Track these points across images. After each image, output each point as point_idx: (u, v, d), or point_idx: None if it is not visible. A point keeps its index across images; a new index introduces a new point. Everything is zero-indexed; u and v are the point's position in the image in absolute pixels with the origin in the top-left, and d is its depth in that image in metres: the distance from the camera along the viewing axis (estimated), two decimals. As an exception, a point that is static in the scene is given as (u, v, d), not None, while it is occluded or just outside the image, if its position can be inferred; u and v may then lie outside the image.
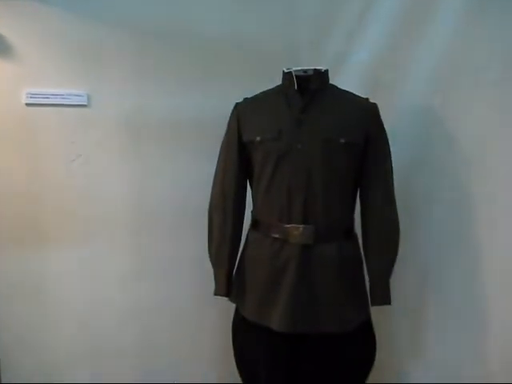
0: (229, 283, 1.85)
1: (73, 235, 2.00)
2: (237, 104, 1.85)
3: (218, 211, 1.84)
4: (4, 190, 1.89)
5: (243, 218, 1.87)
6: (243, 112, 1.82)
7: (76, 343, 2.06)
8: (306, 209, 1.69)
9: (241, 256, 1.87)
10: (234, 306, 1.91)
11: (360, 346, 1.82)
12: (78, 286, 2.03)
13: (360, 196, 1.81)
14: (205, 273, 1.91)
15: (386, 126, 1.78)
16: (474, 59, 1.81)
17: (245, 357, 1.91)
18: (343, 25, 2.18)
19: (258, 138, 1.74)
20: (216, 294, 1.86)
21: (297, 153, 1.69)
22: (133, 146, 2.05)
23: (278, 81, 1.82)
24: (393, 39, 2.03)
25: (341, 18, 2.18)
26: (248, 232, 1.86)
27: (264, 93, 1.85)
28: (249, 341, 1.87)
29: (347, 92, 1.81)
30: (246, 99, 1.85)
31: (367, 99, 1.79)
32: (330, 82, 1.81)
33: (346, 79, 1.98)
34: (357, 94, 1.81)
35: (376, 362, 1.89)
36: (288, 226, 1.69)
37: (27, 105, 1.88)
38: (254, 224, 1.82)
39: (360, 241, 1.83)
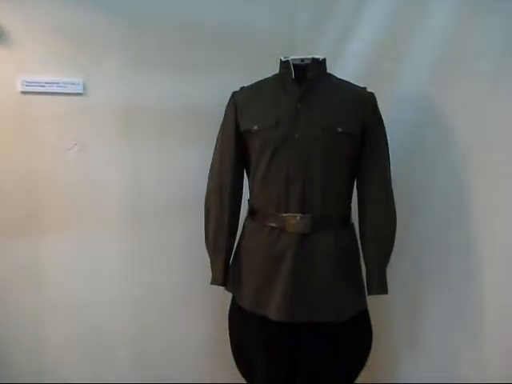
0: (225, 272, 1.85)
1: (68, 224, 1.98)
2: (234, 93, 1.84)
3: (215, 200, 1.83)
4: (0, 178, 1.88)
5: (240, 207, 1.87)
6: (240, 101, 1.81)
7: (70, 331, 2.05)
8: (303, 198, 1.69)
9: (237, 245, 1.87)
10: (229, 295, 1.91)
11: (356, 335, 1.83)
12: (72, 274, 2.02)
13: (357, 185, 1.82)
14: (200, 262, 1.91)
15: (382, 115, 1.78)
16: (471, 49, 1.80)
17: (241, 346, 1.91)
18: (341, 14, 2.18)
19: (256, 127, 1.73)
20: (213, 283, 1.87)
21: (294, 142, 1.68)
22: (129, 134, 2.03)
23: (276, 70, 1.81)
24: (390, 29, 2.02)
25: (338, 7, 2.18)
26: (245, 221, 1.86)
27: (261, 82, 1.84)
28: (245, 330, 1.87)
29: (345, 81, 1.81)
30: (243, 88, 1.85)
31: (365, 88, 1.79)
32: (328, 71, 1.81)
33: (343, 68, 1.98)
34: (354, 83, 1.81)
35: (372, 351, 1.90)
36: (285, 215, 1.69)
37: (23, 93, 1.85)
38: (251, 213, 1.82)
39: (357, 230, 1.83)
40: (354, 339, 1.81)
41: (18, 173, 1.89)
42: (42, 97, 1.88)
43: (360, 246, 1.82)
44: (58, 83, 1.90)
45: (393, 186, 1.81)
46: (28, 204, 1.91)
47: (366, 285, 1.80)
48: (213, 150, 1.88)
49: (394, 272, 1.86)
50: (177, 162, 2.14)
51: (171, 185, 2.14)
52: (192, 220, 1.95)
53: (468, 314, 1.85)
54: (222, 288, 1.87)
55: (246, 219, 1.86)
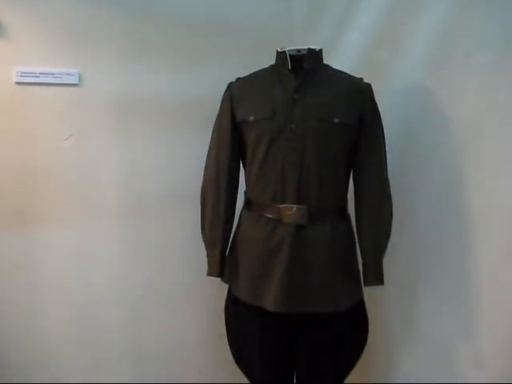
0: (222, 264, 1.84)
1: (63, 216, 1.98)
2: (230, 84, 1.84)
3: (211, 191, 1.83)
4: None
5: (236, 198, 1.87)
6: (236, 92, 1.81)
7: (65, 325, 2.05)
8: (299, 189, 1.69)
9: (234, 237, 1.86)
10: (224, 288, 1.91)
11: (353, 326, 1.83)
12: (66, 267, 2.01)
13: (353, 176, 1.81)
14: (196, 254, 1.91)
15: (379, 106, 1.78)
16: (470, 39, 1.79)
17: (238, 338, 1.91)
18: (338, 5, 2.17)
19: (252, 118, 1.73)
20: (209, 274, 1.86)
21: (290, 133, 1.68)
22: (125, 125, 2.03)
23: (272, 61, 1.80)
24: (387, 19, 2.01)
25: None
26: (241, 212, 1.86)
27: (257, 72, 1.84)
28: (242, 321, 1.87)
29: (341, 72, 1.81)
30: (239, 79, 1.84)
31: (361, 79, 1.79)
32: (324, 62, 1.80)
33: (339, 59, 1.97)
34: (351, 74, 1.80)
35: (368, 343, 1.90)
36: (281, 206, 1.69)
37: (17, 83, 1.85)
38: (247, 204, 1.81)
39: (353, 221, 1.83)
40: (350, 329, 1.81)
41: (13, 164, 1.88)
42: (37, 87, 1.88)
43: (356, 237, 1.82)
44: (53, 74, 1.89)
45: (389, 177, 1.81)
46: (23, 196, 1.91)
47: (362, 276, 1.80)
48: (208, 142, 1.87)
49: (391, 263, 1.85)
50: (173, 154, 2.13)
51: (168, 176, 2.13)
52: (189, 212, 1.94)
53: (465, 305, 1.85)
54: (219, 280, 1.87)
55: (242, 210, 1.85)
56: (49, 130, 1.91)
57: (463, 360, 1.88)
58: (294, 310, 1.69)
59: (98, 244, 2.06)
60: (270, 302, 1.70)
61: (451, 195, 1.87)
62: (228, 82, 1.84)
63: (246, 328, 1.86)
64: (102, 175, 2.02)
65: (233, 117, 1.79)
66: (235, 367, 1.94)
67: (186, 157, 2.11)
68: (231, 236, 1.87)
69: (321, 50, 1.78)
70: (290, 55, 1.72)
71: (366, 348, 1.88)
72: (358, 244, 1.82)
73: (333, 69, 1.81)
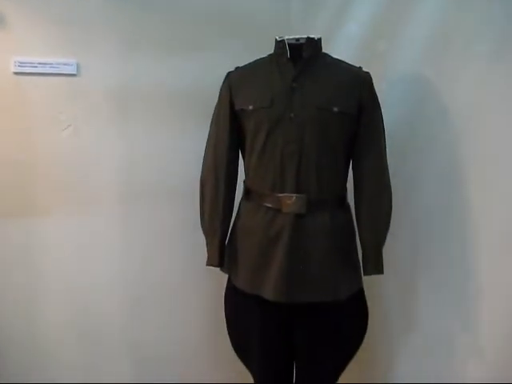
0: (221, 253, 1.84)
1: (61, 205, 1.98)
2: (229, 73, 1.83)
3: (210, 181, 1.82)
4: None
5: (235, 187, 1.86)
6: (235, 81, 1.80)
7: (64, 314, 2.05)
8: (298, 178, 1.68)
9: (233, 226, 1.86)
10: (224, 277, 1.91)
11: (352, 316, 1.82)
12: (65, 256, 2.01)
13: (353, 165, 1.81)
14: (195, 243, 1.91)
15: (378, 96, 1.77)
16: (469, 29, 1.80)
17: (238, 327, 1.91)
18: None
19: (251, 107, 1.72)
20: (208, 264, 1.85)
21: (289, 121, 1.68)
22: (123, 115, 2.02)
23: (271, 50, 1.80)
24: (387, 9, 2.01)
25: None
26: (240, 202, 1.85)
27: (256, 62, 1.83)
28: (241, 311, 1.87)
29: (340, 61, 1.80)
30: (237, 68, 1.83)
31: (360, 68, 1.78)
32: (323, 51, 1.79)
33: (338, 48, 1.97)
34: (350, 63, 1.79)
35: (367, 336, 1.90)
36: (281, 195, 1.69)
37: (15, 73, 1.84)
38: (247, 194, 1.81)
39: (353, 210, 1.82)
40: (350, 318, 1.81)
41: (11, 154, 1.88)
42: (35, 77, 1.88)
43: (356, 226, 1.82)
44: (51, 64, 1.89)
45: (389, 166, 1.80)
46: (21, 186, 1.90)
47: (361, 265, 1.80)
48: (207, 132, 1.87)
49: (391, 252, 1.86)
50: (173, 143, 2.12)
51: (167, 166, 2.13)
52: (189, 201, 1.93)
53: (465, 295, 1.85)
54: (218, 269, 1.87)
55: (241, 200, 1.85)
56: (47, 120, 1.91)
57: (463, 351, 1.89)
58: (294, 300, 1.69)
59: (98, 233, 2.05)
60: (269, 291, 1.69)
61: (450, 185, 1.87)
62: (226, 71, 1.83)
63: (245, 317, 1.85)
64: (101, 165, 2.02)
65: (231, 106, 1.78)
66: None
67: (186, 146, 2.10)
68: (230, 226, 1.86)
69: (320, 39, 1.77)
70: (288, 44, 1.71)
71: (365, 338, 1.89)
72: (357, 233, 1.82)
73: (332, 58, 1.80)
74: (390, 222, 1.80)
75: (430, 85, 1.90)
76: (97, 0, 1.92)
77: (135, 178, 2.08)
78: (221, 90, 1.83)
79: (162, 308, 2.21)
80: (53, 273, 2.01)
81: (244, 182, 1.84)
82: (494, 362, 1.79)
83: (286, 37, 1.73)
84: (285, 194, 1.68)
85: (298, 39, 1.72)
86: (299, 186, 1.68)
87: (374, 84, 1.76)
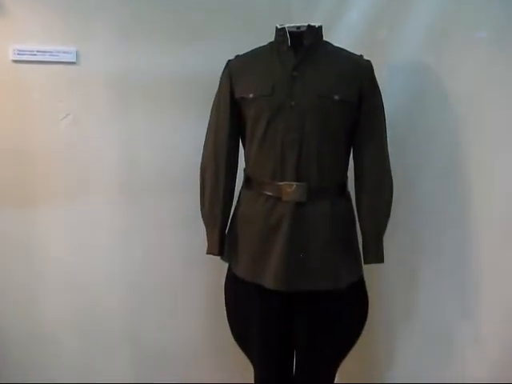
0: (221, 242, 1.84)
1: (61, 194, 1.97)
2: (229, 61, 1.82)
3: (211, 169, 1.82)
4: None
5: (236, 176, 1.86)
6: (235, 69, 1.79)
7: (64, 302, 2.05)
8: (299, 166, 1.68)
9: (233, 214, 1.86)
10: (224, 265, 1.91)
11: (352, 304, 1.83)
12: (64, 244, 2.01)
13: (353, 154, 1.81)
14: (195, 232, 1.91)
15: (379, 84, 1.77)
16: (470, 16, 1.78)
17: (238, 316, 1.92)
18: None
19: (251, 95, 1.72)
20: (208, 252, 1.86)
21: (290, 110, 1.67)
22: (122, 104, 2.01)
23: (271, 38, 1.79)
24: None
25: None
26: (241, 190, 1.85)
27: (256, 50, 1.82)
28: (241, 300, 1.87)
29: (341, 49, 1.80)
30: (238, 56, 1.82)
31: (361, 56, 1.77)
32: (324, 39, 1.78)
33: (339, 36, 1.96)
34: (351, 51, 1.79)
35: (368, 323, 1.90)
36: (281, 183, 1.68)
37: (14, 61, 1.83)
38: (247, 182, 1.81)
39: (353, 199, 1.82)
40: (350, 306, 1.81)
41: (9, 143, 1.86)
42: (34, 66, 1.86)
43: (356, 215, 1.82)
44: (50, 52, 1.87)
45: (390, 155, 1.80)
46: (20, 174, 1.89)
47: (362, 253, 1.80)
48: (207, 120, 1.86)
49: (391, 241, 1.85)
50: (171, 133, 2.11)
51: (165, 155, 2.12)
52: (189, 189, 1.93)
53: (465, 283, 1.85)
54: (218, 258, 1.87)
55: (241, 188, 1.85)
56: (46, 108, 1.90)
57: (462, 339, 1.89)
58: (294, 288, 1.69)
59: (99, 223, 2.05)
60: (269, 279, 1.69)
61: (451, 173, 1.86)
62: (226, 60, 1.82)
63: (245, 306, 1.86)
64: (101, 154, 2.01)
65: (232, 94, 1.78)
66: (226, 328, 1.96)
67: (186, 134, 2.10)
68: (231, 214, 1.86)
69: (320, 27, 1.76)
70: (289, 32, 1.70)
71: (365, 326, 1.89)
72: (358, 222, 1.82)
73: (333, 46, 1.79)
74: (390, 211, 1.80)
75: (430, 73, 1.89)
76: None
77: (136, 167, 2.08)
78: (221, 78, 1.82)
79: (162, 296, 2.22)
80: (52, 264, 2.00)
81: (244, 170, 1.83)
82: (493, 350, 1.79)
83: (287, 25, 1.72)
84: (285, 183, 1.68)
85: (298, 27, 1.71)
86: (300, 175, 1.68)
87: (376, 72, 1.75)
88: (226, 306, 1.94)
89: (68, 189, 1.98)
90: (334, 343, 1.83)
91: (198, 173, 1.86)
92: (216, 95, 1.83)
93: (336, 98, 1.67)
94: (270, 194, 1.71)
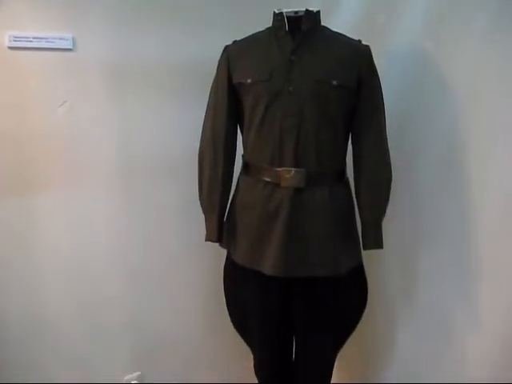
0: (220, 229, 1.84)
1: (59, 181, 1.95)
2: (226, 46, 1.81)
3: (209, 155, 1.81)
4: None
5: (234, 162, 1.85)
6: (233, 54, 1.78)
7: (63, 289, 2.03)
8: (297, 152, 1.67)
9: (232, 201, 1.85)
10: (223, 252, 1.91)
11: (352, 291, 1.83)
12: (64, 232, 1.99)
13: (352, 140, 1.80)
14: (194, 218, 1.90)
15: (378, 69, 1.76)
16: (465, 3, 1.77)
17: (237, 302, 1.92)
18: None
19: (249, 80, 1.71)
20: (207, 239, 1.86)
21: (288, 95, 1.66)
22: (119, 91, 1.99)
23: (269, 23, 1.78)
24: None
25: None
26: (239, 176, 1.84)
27: (254, 35, 1.81)
28: (241, 286, 1.87)
29: (339, 34, 1.78)
30: (235, 41, 1.82)
31: (360, 41, 1.76)
32: (322, 24, 1.77)
33: (337, 21, 1.95)
34: (349, 36, 1.78)
35: (368, 307, 1.90)
36: (279, 169, 1.68)
37: (10, 48, 1.81)
38: (245, 168, 1.80)
39: (352, 185, 1.82)
40: (349, 292, 1.81)
41: (6, 131, 1.85)
42: (30, 52, 1.83)
43: (355, 201, 1.81)
44: (46, 38, 1.85)
45: (388, 139, 1.79)
46: (17, 162, 1.87)
47: (361, 239, 1.80)
48: (205, 107, 1.85)
49: (390, 227, 1.85)
50: (168, 119, 2.10)
51: (162, 142, 2.11)
52: (188, 175, 1.92)
53: (465, 268, 1.84)
54: (217, 245, 1.87)
55: (240, 174, 1.84)
56: (42, 95, 1.88)
57: (462, 324, 1.88)
58: (293, 274, 1.69)
59: (97, 209, 2.03)
60: (268, 266, 1.69)
61: (450, 159, 1.85)
62: (225, 44, 1.81)
63: (244, 292, 1.86)
64: (100, 141, 1.99)
65: (229, 79, 1.77)
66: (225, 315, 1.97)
67: (184, 120, 2.08)
68: (229, 200, 1.85)
69: (319, 12, 1.75)
70: (287, 17, 1.69)
71: (365, 312, 1.89)
72: (356, 208, 1.81)
73: (331, 31, 1.78)
74: (389, 197, 1.80)
75: (429, 59, 1.88)
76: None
77: (134, 153, 2.06)
78: (219, 63, 1.81)
79: (160, 282, 2.21)
80: (52, 251, 1.99)
81: (242, 156, 1.83)
82: (493, 337, 1.78)
83: (285, 10, 1.71)
84: (283, 168, 1.67)
85: (296, 12, 1.71)
86: (298, 160, 1.67)
87: (374, 57, 1.74)
88: (225, 292, 1.94)
89: (66, 176, 1.96)
90: (333, 329, 1.83)
91: (197, 158, 1.86)
92: (214, 80, 1.83)
93: (334, 83, 1.66)
94: (268, 180, 1.70)
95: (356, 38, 1.77)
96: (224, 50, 1.80)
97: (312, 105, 1.66)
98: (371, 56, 1.74)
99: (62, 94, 1.90)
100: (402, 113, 1.96)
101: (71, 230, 2.00)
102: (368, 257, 1.87)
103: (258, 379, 2.00)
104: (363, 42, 1.76)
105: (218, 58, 1.82)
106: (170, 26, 2.03)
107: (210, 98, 1.84)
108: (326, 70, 1.67)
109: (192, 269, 2.26)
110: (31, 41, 1.84)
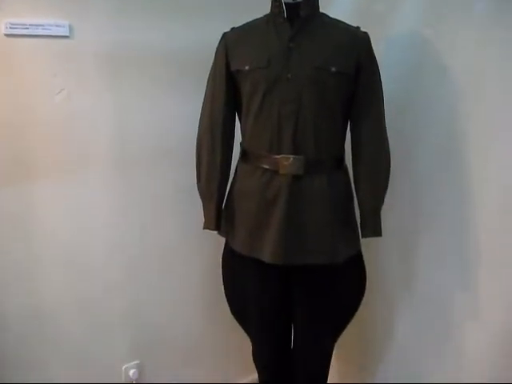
0: (218, 217, 1.83)
1: (57, 168, 1.94)
2: (224, 33, 1.80)
3: (207, 143, 1.80)
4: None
5: (232, 149, 1.84)
6: (231, 41, 1.77)
7: (62, 279, 2.03)
8: (295, 139, 1.66)
9: (230, 189, 1.85)
10: (221, 240, 1.90)
11: (350, 278, 1.84)
12: (62, 221, 1.98)
13: (350, 127, 1.79)
14: (193, 206, 1.90)
15: (377, 57, 1.75)
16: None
17: (235, 290, 1.92)
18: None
19: (247, 67, 1.70)
20: (205, 227, 1.85)
21: (286, 81, 1.65)
22: (117, 78, 1.97)
23: (267, 10, 1.77)
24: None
25: None
26: (237, 164, 1.84)
27: (252, 22, 1.80)
28: (239, 274, 1.87)
29: (338, 21, 1.77)
30: (233, 29, 1.81)
31: (358, 28, 1.75)
32: (321, 11, 1.76)
33: (336, 8, 1.94)
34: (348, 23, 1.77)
35: (366, 296, 1.90)
36: (278, 156, 1.67)
37: (6, 35, 1.79)
38: (243, 156, 1.79)
39: (351, 172, 1.81)
40: (348, 280, 1.81)
41: (3, 118, 1.83)
42: (27, 40, 1.81)
43: (354, 188, 1.80)
44: (42, 25, 1.83)
45: (387, 127, 1.79)
46: (14, 150, 1.86)
47: (359, 227, 1.79)
48: (202, 96, 1.84)
49: (390, 215, 1.85)
50: (167, 108, 2.09)
51: (162, 130, 2.09)
52: (186, 163, 1.91)
53: (464, 256, 1.84)
54: (215, 233, 1.86)
55: (238, 162, 1.83)
56: (40, 83, 1.86)
57: (461, 312, 1.88)
58: (291, 262, 1.68)
59: (95, 198, 2.02)
60: (267, 253, 1.69)
61: (449, 146, 1.85)
62: (221, 34, 1.80)
63: (243, 280, 1.86)
64: (97, 129, 1.97)
65: (227, 66, 1.76)
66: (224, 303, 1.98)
67: (181, 108, 2.07)
68: (227, 188, 1.85)
69: (317, -2, 1.74)
70: (285, 3, 1.68)
71: (363, 299, 1.89)
72: (355, 195, 1.81)
73: (329, 17, 1.77)
74: (388, 185, 1.80)
75: (428, 46, 1.87)
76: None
77: (131, 142, 2.05)
78: (217, 50, 1.80)
79: (159, 271, 2.21)
80: (50, 239, 1.97)
81: (241, 144, 1.82)
82: (492, 324, 1.79)
83: (283, -4, 1.70)
84: (282, 155, 1.66)
85: (294, -2, 1.69)
86: (296, 147, 1.67)
87: (373, 44, 1.74)
88: (224, 280, 1.94)
89: (64, 164, 1.94)
90: (332, 317, 1.84)
91: (195, 147, 1.85)
92: (212, 67, 1.82)
93: (333, 69, 1.65)
94: (266, 167, 1.70)
95: (355, 24, 1.76)
96: (222, 37, 1.79)
97: (310, 91, 1.65)
98: (370, 43, 1.73)
99: (59, 82, 1.88)
100: (401, 101, 1.95)
101: (69, 217, 1.99)
102: (367, 245, 1.86)
103: (257, 367, 2.00)
104: (362, 29, 1.75)
105: (216, 46, 1.80)
106: (167, 13, 2.01)
107: (207, 85, 1.83)
108: (325, 57, 1.66)
109: (191, 257, 2.25)
110: (27, 28, 1.81)
